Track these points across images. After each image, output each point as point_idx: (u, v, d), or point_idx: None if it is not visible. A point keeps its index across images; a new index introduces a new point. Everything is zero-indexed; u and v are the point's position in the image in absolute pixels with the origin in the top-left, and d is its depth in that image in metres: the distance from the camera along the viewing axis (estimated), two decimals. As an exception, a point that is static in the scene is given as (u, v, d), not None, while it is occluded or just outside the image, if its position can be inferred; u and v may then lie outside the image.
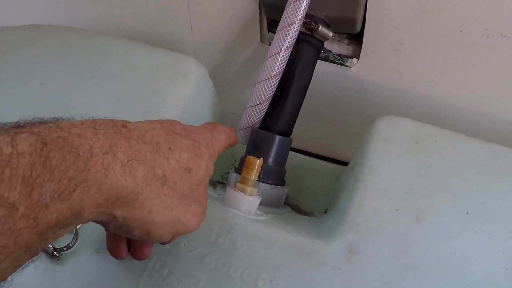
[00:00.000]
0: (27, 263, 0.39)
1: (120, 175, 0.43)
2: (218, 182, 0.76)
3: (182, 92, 0.73)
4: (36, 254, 0.39)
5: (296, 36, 0.70)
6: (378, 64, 0.82)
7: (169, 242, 0.54)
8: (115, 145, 0.43)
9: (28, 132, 0.38)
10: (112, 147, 0.43)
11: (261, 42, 0.87)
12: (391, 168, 0.65)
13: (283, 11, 0.70)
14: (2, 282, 0.37)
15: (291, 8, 0.69)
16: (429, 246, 0.61)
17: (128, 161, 0.44)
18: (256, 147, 0.71)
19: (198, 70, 0.74)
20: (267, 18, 0.84)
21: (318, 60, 0.81)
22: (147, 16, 0.93)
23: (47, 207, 0.37)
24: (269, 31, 0.86)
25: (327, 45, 0.83)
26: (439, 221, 0.62)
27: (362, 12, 0.76)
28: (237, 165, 0.74)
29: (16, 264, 0.37)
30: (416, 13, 0.75)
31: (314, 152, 0.96)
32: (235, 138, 0.65)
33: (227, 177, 0.76)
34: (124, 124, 0.47)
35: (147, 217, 0.47)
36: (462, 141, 0.68)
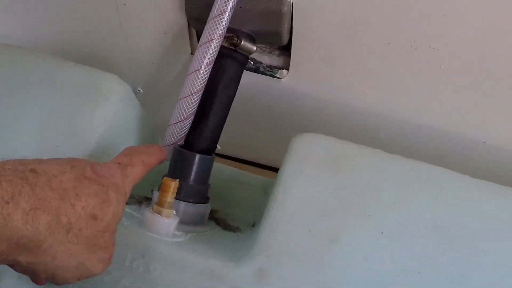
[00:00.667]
0: None
1: (22, 224, 0.43)
2: (146, 198, 0.76)
3: (104, 112, 0.72)
4: None
5: (217, 52, 0.69)
6: (307, 75, 0.82)
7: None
8: (18, 193, 0.44)
9: None
10: (15, 196, 0.43)
11: (192, 54, 0.86)
12: (306, 189, 0.65)
13: (208, 25, 0.69)
14: None
15: (211, 24, 0.69)
16: (342, 268, 0.62)
17: (30, 210, 0.44)
18: (177, 165, 0.71)
19: (120, 88, 0.74)
20: (196, 30, 0.83)
21: (249, 72, 0.81)
22: (81, 32, 0.93)
23: None
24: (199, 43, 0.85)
25: (258, 56, 0.83)
26: (353, 242, 0.62)
27: (287, 25, 0.75)
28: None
29: None
30: (343, 26, 0.75)
31: (252, 160, 0.96)
32: (159, 158, 0.64)
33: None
34: (33, 168, 0.47)
35: (51, 263, 0.48)
36: (381, 159, 0.67)
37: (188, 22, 0.82)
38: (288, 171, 0.66)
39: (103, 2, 0.86)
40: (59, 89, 0.73)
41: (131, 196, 0.75)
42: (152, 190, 0.77)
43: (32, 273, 0.49)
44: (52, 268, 0.48)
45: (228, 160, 0.88)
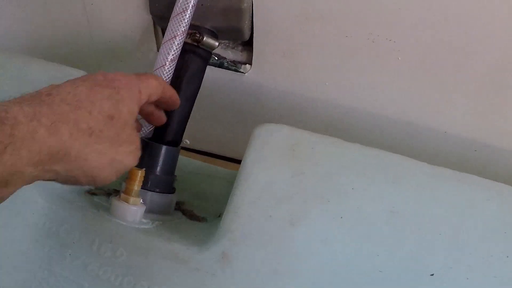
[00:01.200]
0: None
1: (47, 136, 0.48)
2: (115, 190, 0.79)
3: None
4: None
5: (180, 48, 0.72)
6: (270, 69, 0.85)
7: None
8: (38, 112, 0.48)
9: None
10: (36, 115, 0.48)
11: (158, 51, 0.89)
12: (266, 176, 0.67)
13: (172, 22, 0.72)
14: None
15: (174, 21, 0.71)
16: (302, 251, 0.64)
17: (51, 124, 0.48)
18: (144, 157, 0.73)
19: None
20: (161, 28, 0.86)
21: (214, 67, 0.83)
22: (50, 31, 0.95)
23: None
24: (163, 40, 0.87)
25: (222, 52, 0.86)
26: (312, 226, 0.64)
27: (248, 22, 0.78)
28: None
29: None
30: (301, 21, 0.77)
31: (220, 154, 0.98)
32: (171, 88, 0.67)
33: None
34: (49, 92, 0.52)
35: (85, 165, 0.52)
36: (339, 147, 0.69)
37: (153, 20, 0.85)
38: (249, 159, 0.68)
39: (71, 1, 0.88)
40: (28, 85, 0.75)
41: (101, 188, 0.77)
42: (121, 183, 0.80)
43: (74, 181, 0.53)
44: (89, 170, 0.53)
45: (196, 154, 0.90)
